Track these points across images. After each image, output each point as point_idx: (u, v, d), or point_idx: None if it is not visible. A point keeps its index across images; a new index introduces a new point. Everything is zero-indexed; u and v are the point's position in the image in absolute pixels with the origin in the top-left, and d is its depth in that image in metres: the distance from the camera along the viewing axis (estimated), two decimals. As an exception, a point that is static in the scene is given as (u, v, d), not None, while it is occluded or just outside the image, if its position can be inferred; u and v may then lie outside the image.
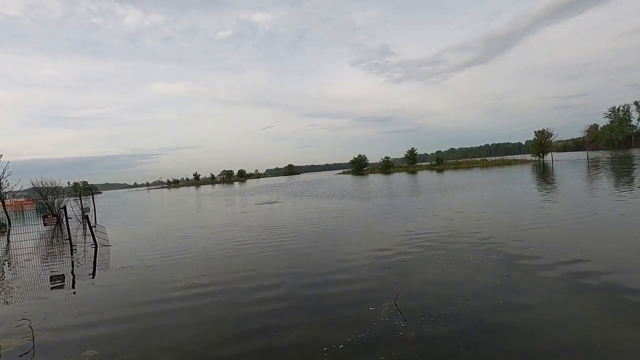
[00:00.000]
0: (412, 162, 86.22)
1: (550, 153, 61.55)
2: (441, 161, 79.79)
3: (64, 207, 14.42)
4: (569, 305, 4.69)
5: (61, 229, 17.48)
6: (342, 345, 4.05)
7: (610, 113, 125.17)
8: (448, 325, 4.37)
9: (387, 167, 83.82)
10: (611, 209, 11.19)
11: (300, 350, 4.07)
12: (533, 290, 5.24)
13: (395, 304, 5.10)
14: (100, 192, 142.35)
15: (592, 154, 59.56)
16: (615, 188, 16.35)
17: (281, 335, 4.49)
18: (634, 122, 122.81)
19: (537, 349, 3.74)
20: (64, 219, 13.15)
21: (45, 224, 12.93)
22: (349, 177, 67.16)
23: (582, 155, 62.81)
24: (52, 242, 15.40)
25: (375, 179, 51.27)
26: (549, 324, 4.22)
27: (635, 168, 27.74)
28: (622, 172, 25.08)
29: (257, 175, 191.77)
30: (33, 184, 24.82)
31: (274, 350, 4.13)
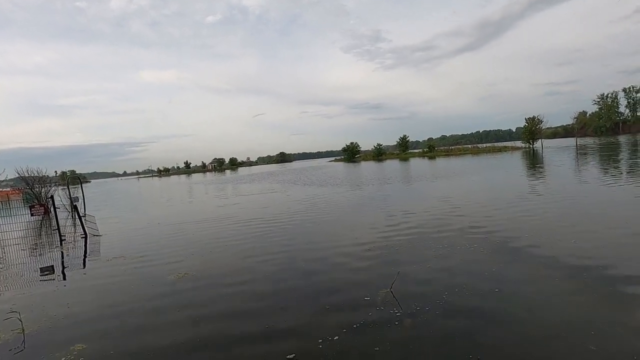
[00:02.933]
0: (404, 149, 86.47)
1: (540, 140, 62.13)
2: (433, 148, 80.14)
3: (52, 197, 14.10)
4: (564, 292, 4.72)
5: (49, 219, 17.14)
6: (337, 337, 4.02)
7: (599, 100, 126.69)
8: (444, 313, 4.37)
9: (379, 154, 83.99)
10: (601, 196, 11.36)
11: (295, 342, 4.02)
12: (528, 278, 5.27)
13: (391, 292, 5.09)
14: (89, 181, 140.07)
15: (581, 141, 60.33)
16: (602, 175, 16.59)
17: (275, 326, 4.44)
18: (622, 109, 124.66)
19: (531, 335, 3.76)
20: (52, 208, 12.87)
21: (32, 214, 12.64)
22: (341, 165, 67.11)
23: (571, 142, 63.59)
24: (40, 233, 15.11)
25: (367, 166, 51.31)
26: (544, 311, 4.25)
27: (620, 155, 28.21)
28: (608, 160, 25.46)
29: (249, 164, 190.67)
30: (18, 173, 24.23)
31: (268, 341, 4.08)
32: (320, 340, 3.96)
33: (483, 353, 3.51)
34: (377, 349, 3.72)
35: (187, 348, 4.09)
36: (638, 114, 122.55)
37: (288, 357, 3.68)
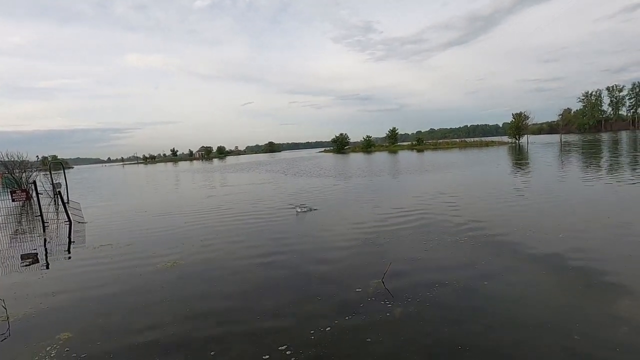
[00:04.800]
0: (393, 141, 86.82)
1: (525, 135, 63.28)
2: (421, 141, 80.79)
3: (34, 182, 13.69)
4: (549, 285, 4.85)
5: (31, 205, 16.68)
6: (328, 328, 4.04)
7: (583, 98, 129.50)
8: (434, 304, 4.44)
9: (368, 146, 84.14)
10: (584, 193, 11.66)
11: (287, 334, 4.02)
12: (515, 271, 5.39)
13: (383, 282, 5.14)
14: (72, 167, 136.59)
15: (565, 138, 61.68)
16: (585, 172, 17.03)
17: (266, 317, 4.44)
18: (605, 107, 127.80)
19: (518, 325, 3.87)
20: (34, 194, 12.52)
21: (13, 200, 12.27)
22: (330, 156, 67.06)
23: (555, 138, 64.95)
24: (21, 219, 14.70)
25: (357, 158, 51.42)
26: (531, 302, 4.37)
27: (602, 152, 29.00)
28: (592, 157, 26.12)
29: (237, 153, 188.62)
30: (-2, 157, 23.44)
31: (260, 333, 4.08)
32: (312, 332, 3.98)
33: (471, 341, 3.59)
34: (369, 339, 3.76)
35: (176, 339, 4.05)
36: (620, 113, 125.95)
37: (280, 348, 3.69)
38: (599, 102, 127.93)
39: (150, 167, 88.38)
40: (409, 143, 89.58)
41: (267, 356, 3.57)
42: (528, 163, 23.95)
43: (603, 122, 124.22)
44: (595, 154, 27.26)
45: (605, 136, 69.78)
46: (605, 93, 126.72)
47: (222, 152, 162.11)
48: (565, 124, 63.66)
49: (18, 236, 10.99)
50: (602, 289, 4.61)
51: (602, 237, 6.77)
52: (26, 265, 7.66)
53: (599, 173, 15.86)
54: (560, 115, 67.69)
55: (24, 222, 13.87)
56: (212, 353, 3.69)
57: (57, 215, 14.16)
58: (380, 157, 47.01)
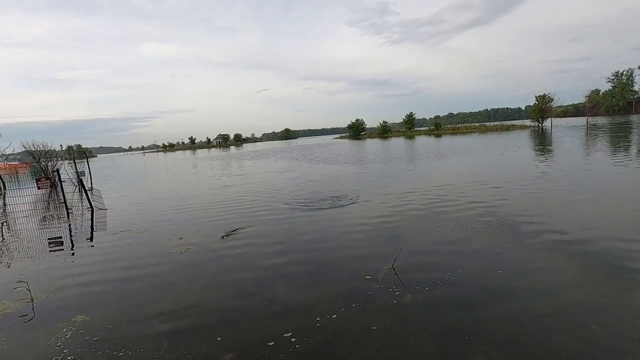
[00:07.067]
0: (410, 127, 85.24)
1: (549, 119, 60.82)
2: (439, 126, 79.09)
3: (57, 170, 14.21)
4: (568, 273, 4.69)
5: (56, 193, 17.36)
6: (334, 315, 4.03)
7: (613, 77, 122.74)
8: (445, 291, 4.38)
9: (384, 132, 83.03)
10: (610, 180, 11.18)
11: (293, 320, 4.03)
12: (532, 259, 5.23)
13: (393, 268, 5.11)
14: (95, 156, 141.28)
15: (592, 120, 59.03)
16: (612, 158, 16.29)
17: (273, 304, 4.47)
18: (637, 87, 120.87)
19: (533, 314, 3.76)
20: (58, 182, 13.00)
21: (39, 187, 12.79)
22: (346, 142, 66.59)
23: (581, 121, 62.21)
24: (47, 206, 15.33)
25: (373, 144, 50.85)
26: (547, 291, 4.24)
27: (634, 136, 27.60)
28: (621, 141, 24.94)
29: (253, 140, 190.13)
30: (25, 147, 24.37)
31: (266, 319, 4.10)
32: (318, 319, 3.98)
33: (482, 331, 3.52)
34: (375, 327, 3.74)
35: (185, 324, 4.13)
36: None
37: (285, 335, 3.72)
38: (630, 82, 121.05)
39: (169, 155, 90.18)
40: (427, 128, 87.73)
41: (272, 343, 3.61)
42: (552, 148, 23.09)
43: (634, 103, 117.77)
44: (625, 138, 25.99)
45: (636, 118, 66.35)
46: (637, 72, 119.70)
47: (238, 140, 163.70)
48: (593, 106, 60.19)
49: (45, 222, 11.47)
50: (623, 278, 4.42)
51: (628, 227, 6.45)
52: (52, 250, 8.02)
53: (628, 159, 15.13)
54: (586, 96, 64.28)
55: (50, 209, 14.45)
56: (219, 339, 3.76)
57: (80, 202, 14.67)
58: (397, 143, 46.33)
